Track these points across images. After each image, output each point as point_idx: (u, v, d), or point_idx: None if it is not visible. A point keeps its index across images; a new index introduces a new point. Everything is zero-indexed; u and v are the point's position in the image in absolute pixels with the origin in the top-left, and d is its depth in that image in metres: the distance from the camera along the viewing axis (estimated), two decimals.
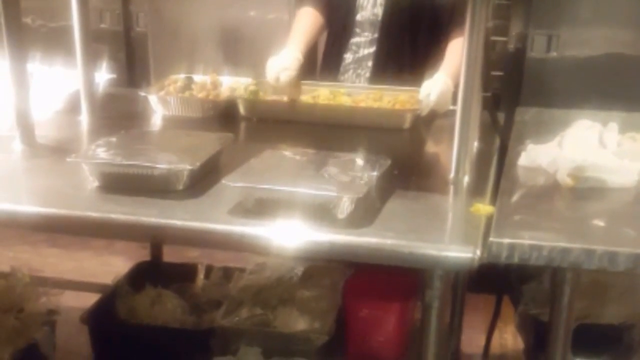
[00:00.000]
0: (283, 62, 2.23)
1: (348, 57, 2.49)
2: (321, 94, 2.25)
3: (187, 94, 2.22)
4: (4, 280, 2.25)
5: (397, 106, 2.15)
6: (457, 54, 2.17)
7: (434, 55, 2.32)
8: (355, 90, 2.28)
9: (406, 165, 1.77)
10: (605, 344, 2.01)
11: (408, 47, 2.41)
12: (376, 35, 2.43)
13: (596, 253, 1.26)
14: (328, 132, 2.03)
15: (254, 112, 2.16)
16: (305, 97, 2.22)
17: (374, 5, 2.42)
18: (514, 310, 2.26)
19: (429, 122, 2.13)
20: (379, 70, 2.43)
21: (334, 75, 2.49)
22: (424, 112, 2.11)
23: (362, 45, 2.46)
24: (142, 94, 2.21)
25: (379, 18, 2.42)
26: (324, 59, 2.60)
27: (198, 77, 2.31)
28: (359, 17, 2.45)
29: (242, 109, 2.16)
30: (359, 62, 2.47)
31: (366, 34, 2.45)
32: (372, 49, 2.45)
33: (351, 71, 2.49)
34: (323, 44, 2.61)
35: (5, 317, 2.12)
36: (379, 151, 1.68)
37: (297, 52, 2.30)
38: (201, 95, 2.21)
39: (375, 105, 2.18)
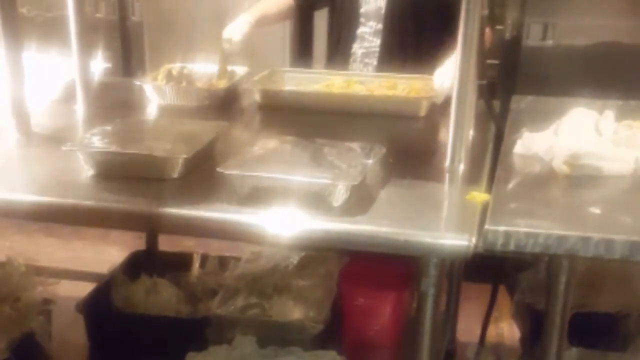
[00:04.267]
0: (234, 26, 2.29)
1: (356, 47, 2.50)
2: (335, 82, 2.23)
3: (183, 83, 2.20)
4: (0, 270, 2.25)
5: (412, 94, 2.14)
6: None
7: (442, 44, 2.31)
8: (369, 79, 2.26)
9: (406, 153, 1.76)
10: (602, 333, 2.01)
11: (413, 37, 2.43)
12: (380, 26, 2.43)
13: (592, 240, 1.26)
14: (340, 121, 2.02)
15: (270, 101, 2.15)
16: (319, 86, 2.22)
17: None
18: (510, 299, 2.26)
19: (445, 109, 2.12)
20: (385, 61, 2.44)
21: (343, 66, 2.50)
22: (439, 100, 2.10)
23: (369, 35, 2.47)
24: (137, 82, 2.20)
25: (383, 10, 2.43)
26: (330, 50, 2.61)
27: (193, 66, 2.30)
28: (362, 10, 2.46)
29: (258, 98, 2.15)
30: (367, 53, 2.48)
31: (371, 23, 2.46)
32: (378, 41, 2.46)
33: (358, 61, 2.50)
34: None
35: (1, 307, 2.12)
36: (385, 139, 1.67)
37: (250, 17, 2.35)
38: (200, 84, 2.20)
39: (390, 93, 2.16)
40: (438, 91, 2.10)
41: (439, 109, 2.10)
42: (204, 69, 2.30)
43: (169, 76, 2.22)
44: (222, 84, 2.20)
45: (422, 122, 2.05)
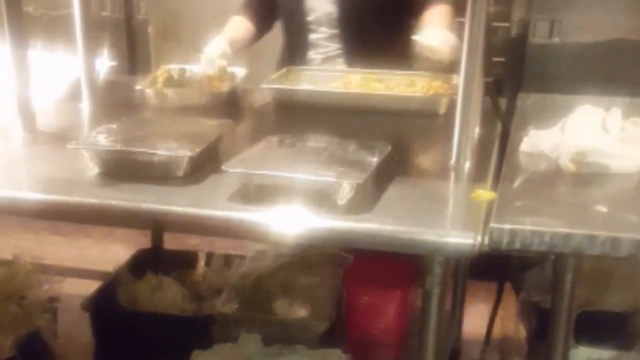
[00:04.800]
0: (217, 50, 2.28)
1: (312, 54, 2.48)
2: (352, 80, 2.22)
3: (185, 87, 2.14)
4: (6, 268, 2.25)
5: (431, 91, 2.12)
6: (438, 17, 2.24)
7: (405, 30, 2.33)
8: (387, 77, 2.24)
9: (413, 151, 1.76)
10: (608, 332, 2.00)
11: (374, 33, 2.39)
12: (336, 31, 2.42)
13: (598, 239, 1.25)
14: (353, 119, 2.01)
15: (286, 99, 2.13)
16: (337, 84, 2.20)
17: (325, 4, 2.40)
18: (516, 298, 2.25)
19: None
20: (354, 63, 2.41)
21: None
22: (447, 59, 2.10)
23: (324, 41, 2.45)
24: (138, 87, 2.15)
25: (335, 15, 2.41)
26: (286, 59, 2.55)
27: (191, 67, 2.24)
28: (311, 17, 2.44)
29: (273, 96, 2.14)
30: (326, 58, 2.47)
31: (323, 29, 2.44)
32: (338, 45, 2.44)
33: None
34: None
35: (7, 305, 2.12)
36: (396, 137, 1.67)
37: (225, 42, 2.33)
38: (201, 86, 2.15)
39: (409, 90, 2.15)
40: (441, 48, 2.10)
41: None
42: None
43: (169, 80, 2.17)
44: (225, 86, 2.16)
45: (441, 120, 2.02)
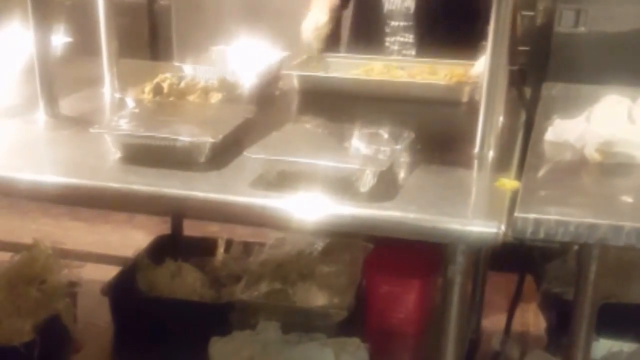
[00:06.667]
0: (316, 23, 2.25)
1: (384, 42, 2.49)
2: (375, 68, 2.21)
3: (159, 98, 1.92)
4: (26, 253, 2.26)
5: (454, 79, 2.11)
6: None
7: (476, 34, 2.30)
8: (409, 64, 2.23)
9: (437, 139, 1.74)
10: (630, 324, 1.98)
11: (447, 29, 2.39)
12: (411, 23, 2.43)
13: (624, 229, 1.24)
14: (375, 106, 1.99)
15: (308, 86, 2.12)
16: (358, 71, 2.19)
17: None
18: (537, 289, 2.24)
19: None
20: (422, 56, 2.41)
21: None
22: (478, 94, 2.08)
23: (398, 30, 2.46)
24: (117, 95, 2.05)
25: (412, 10, 2.42)
26: (349, 45, 2.58)
27: (195, 73, 2.06)
28: (386, 10, 2.45)
29: (296, 83, 2.13)
30: (398, 49, 2.48)
31: (398, 20, 2.45)
32: (411, 36, 2.45)
33: (396, 53, 2.48)
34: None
35: (28, 289, 2.13)
36: (419, 125, 1.66)
37: (325, 12, 2.30)
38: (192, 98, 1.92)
39: (432, 78, 2.13)
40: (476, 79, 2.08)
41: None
42: (210, 73, 2.06)
43: (157, 89, 1.94)
44: (216, 97, 1.93)
45: (463, 108, 2.01)
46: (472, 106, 2.00)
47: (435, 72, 2.16)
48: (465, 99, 2.02)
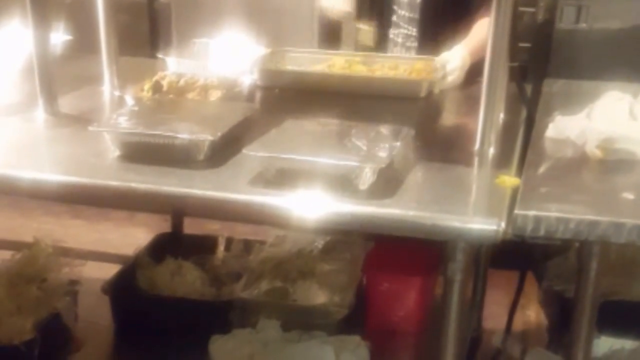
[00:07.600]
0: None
1: (390, 33, 2.51)
2: (336, 62, 2.22)
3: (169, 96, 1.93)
4: (27, 251, 2.26)
5: (413, 75, 2.13)
6: (481, 32, 2.17)
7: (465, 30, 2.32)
8: (370, 59, 2.25)
9: (427, 136, 1.74)
10: (632, 322, 1.98)
11: (449, 23, 2.40)
12: (416, 15, 2.45)
13: (625, 226, 1.23)
14: (343, 102, 1.99)
15: (270, 81, 2.12)
16: (320, 67, 2.20)
17: None
18: (538, 287, 2.23)
19: (444, 91, 2.12)
20: (425, 47, 2.43)
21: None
22: (437, 87, 2.08)
23: (404, 22, 2.48)
24: (117, 93, 2.05)
25: (418, 1, 2.44)
26: None
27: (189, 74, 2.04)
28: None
29: (259, 79, 2.12)
30: (402, 42, 2.50)
31: (404, 11, 2.48)
32: (414, 29, 2.47)
33: (400, 45, 2.50)
34: None
35: (28, 287, 2.13)
36: (396, 121, 1.65)
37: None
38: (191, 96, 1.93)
39: (391, 73, 2.15)
40: (437, 73, 2.09)
41: (443, 91, 2.10)
42: (193, 67, 2.09)
43: (156, 86, 1.95)
44: (215, 95, 1.94)
45: (422, 103, 2.03)
46: (430, 101, 2.01)
47: (395, 67, 2.18)
48: (423, 94, 2.04)
